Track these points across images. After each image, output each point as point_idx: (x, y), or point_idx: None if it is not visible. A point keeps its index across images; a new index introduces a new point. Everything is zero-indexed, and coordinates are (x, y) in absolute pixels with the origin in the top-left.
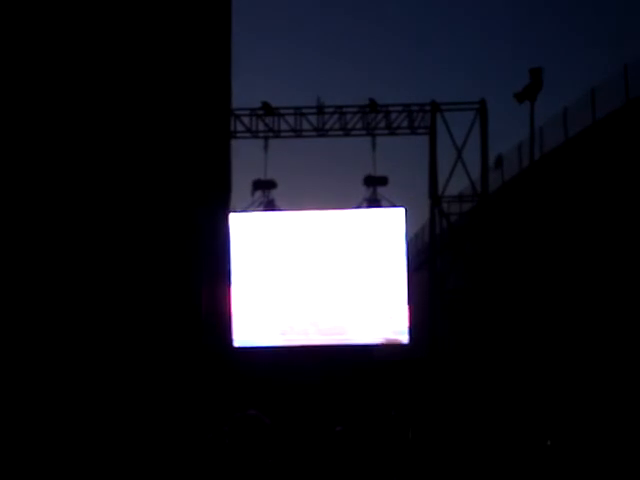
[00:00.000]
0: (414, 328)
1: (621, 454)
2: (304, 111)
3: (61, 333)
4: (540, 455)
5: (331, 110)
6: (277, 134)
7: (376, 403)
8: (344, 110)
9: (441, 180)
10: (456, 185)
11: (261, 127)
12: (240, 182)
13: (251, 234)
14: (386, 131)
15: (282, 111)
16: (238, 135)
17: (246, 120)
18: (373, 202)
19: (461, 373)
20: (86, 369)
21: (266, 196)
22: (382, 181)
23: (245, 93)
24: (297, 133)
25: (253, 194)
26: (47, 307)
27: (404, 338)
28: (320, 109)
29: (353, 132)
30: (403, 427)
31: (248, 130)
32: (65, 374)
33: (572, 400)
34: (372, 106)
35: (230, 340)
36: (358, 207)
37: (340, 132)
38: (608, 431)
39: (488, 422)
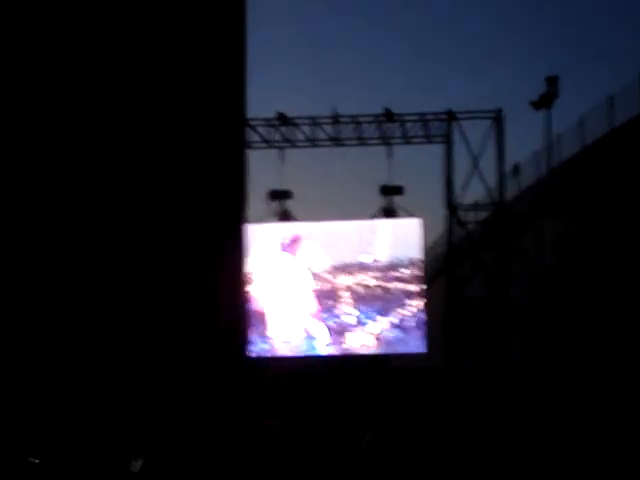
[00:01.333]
0: (432, 337)
1: None
2: (320, 121)
3: (77, 344)
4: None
5: (347, 120)
6: (293, 144)
7: (394, 412)
8: (360, 120)
9: (457, 189)
10: (473, 193)
11: (277, 137)
12: (256, 192)
13: (267, 245)
14: (402, 140)
15: (298, 121)
16: (254, 145)
17: (262, 130)
18: (389, 211)
19: (479, 383)
20: (101, 376)
21: (282, 206)
22: (398, 190)
23: (261, 103)
24: (313, 143)
25: (269, 204)
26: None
27: (421, 347)
28: (336, 119)
29: (369, 141)
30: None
31: (264, 140)
32: (78, 383)
33: (579, 412)
34: (388, 115)
35: (246, 350)
36: (374, 217)
37: (356, 142)
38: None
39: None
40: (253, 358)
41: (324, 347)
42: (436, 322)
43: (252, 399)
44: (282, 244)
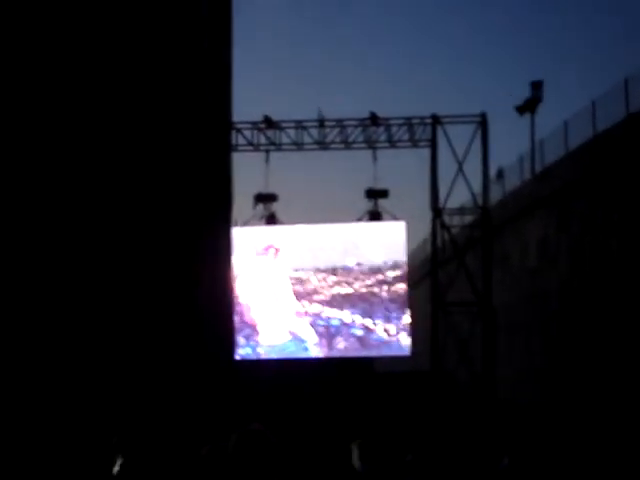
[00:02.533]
0: (415, 340)
1: None
2: (305, 124)
3: (65, 342)
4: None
5: (332, 123)
6: (278, 147)
7: (378, 417)
8: (345, 123)
9: (442, 193)
10: (457, 198)
11: (262, 140)
12: (241, 195)
13: (253, 248)
14: (387, 144)
15: (283, 124)
16: (239, 148)
17: (247, 133)
18: (374, 215)
19: (464, 387)
20: (89, 376)
21: (267, 209)
22: (383, 194)
23: (246, 106)
24: (298, 146)
25: (254, 207)
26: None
27: (405, 351)
28: (321, 122)
29: (354, 145)
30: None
31: (249, 143)
32: (65, 380)
33: (564, 416)
34: (373, 119)
35: (232, 353)
36: (359, 220)
37: (341, 145)
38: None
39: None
40: (238, 361)
41: (313, 348)
42: (420, 325)
43: (236, 402)
44: (257, 251)
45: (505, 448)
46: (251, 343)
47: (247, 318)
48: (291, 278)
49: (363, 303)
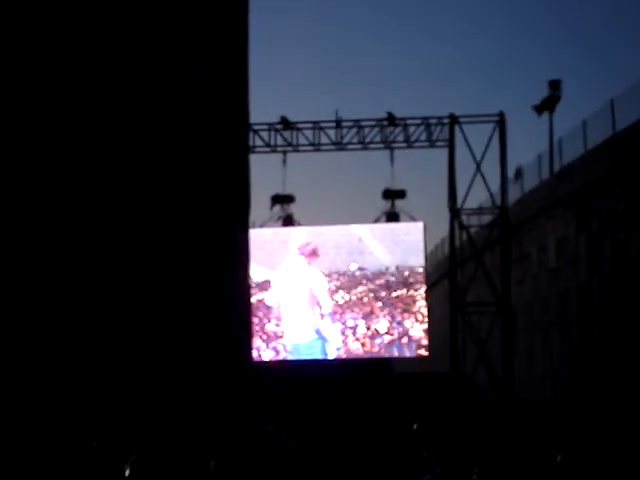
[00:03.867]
0: (434, 341)
1: None
2: (322, 125)
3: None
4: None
5: (349, 124)
6: (295, 148)
7: (396, 417)
8: (362, 124)
9: (460, 193)
10: (475, 197)
11: (279, 142)
12: (259, 197)
13: (270, 249)
14: (404, 144)
15: (300, 125)
16: (256, 150)
17: (264, 135)
18: (392, 215)
19: (482, 388)
20: (102, 377)
21: (285, 211)
22: (400, 194)
23: (263, 108)
24: (315, 147)
25: (272, 209)
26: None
27: (424, 351)
28: (338, 123)
29: (371, 146)
30: (424, 442)
31: (266, 145)
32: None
33: (585, 418)
34: (390, 120)
35: (250, 354)
36: (377, 221)
37: (358, 146)
38: None
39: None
40: (255, 362)
41: (334, 351)
42: (438, 326)
43: (253, 403)
44: (299, 249)
45: (556, 446)
46: (275, 342)
47: (274, 316)
48: (308, 280)
49: (382, 304)
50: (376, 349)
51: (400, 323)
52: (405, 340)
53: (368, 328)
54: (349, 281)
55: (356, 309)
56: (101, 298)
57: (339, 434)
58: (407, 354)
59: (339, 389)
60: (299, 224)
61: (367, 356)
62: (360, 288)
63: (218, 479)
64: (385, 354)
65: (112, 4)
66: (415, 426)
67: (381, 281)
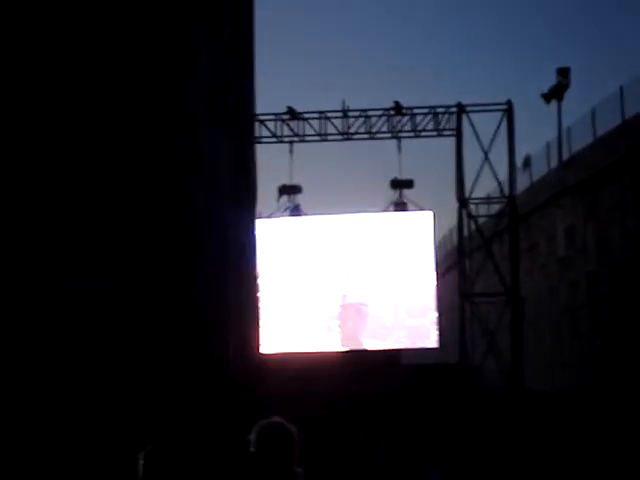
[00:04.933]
0: (443, 332)
1: None
2: (329, 115)
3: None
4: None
5: (356, 114)
6: (302, 138)
7: (406, 408)
8: (369, 113)
9: (468, 182)
10: (483, 187)
11: (286, 132)
12: (265, 187)
13: (277, 240)
14: (412, 134)
15: (307, 115)
16: (263, 140)
17: (271, 125)
18: (400, 205)
19: (492, 378)
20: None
21: (292, 201)
22: (408, 184)
23: (270, 98)
24: (322, 137)
25: (279, 199)
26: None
27: (433, 342)
28: (345, 113)
29: (378, 135)
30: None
31: (273, 135)
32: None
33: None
34: (397, 109)
35: (257, 346)
36: (385, 210)
37: (365, 135)
38: None
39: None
40: (263, 354)
41: (333, 342)
42: (447, 317)
43: (260, 396)
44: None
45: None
46: (282, 335)
47: (267, 312)
48: (316, 270)
49: (389, 294)
50: (385, 340)
51: (409, 314)
52: (414, 331)
53: (376, 319)
54: (358, 270)
55: (365, 300)
56: (107, 294)
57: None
58: (416, 345)
59: (348, 381)
60: (306, 214)
61: (376, 348)
62: (370, 278)
63: (225, 470)
64: (394, 345)
65: None
66: (428, 409)
67: (390, 271)
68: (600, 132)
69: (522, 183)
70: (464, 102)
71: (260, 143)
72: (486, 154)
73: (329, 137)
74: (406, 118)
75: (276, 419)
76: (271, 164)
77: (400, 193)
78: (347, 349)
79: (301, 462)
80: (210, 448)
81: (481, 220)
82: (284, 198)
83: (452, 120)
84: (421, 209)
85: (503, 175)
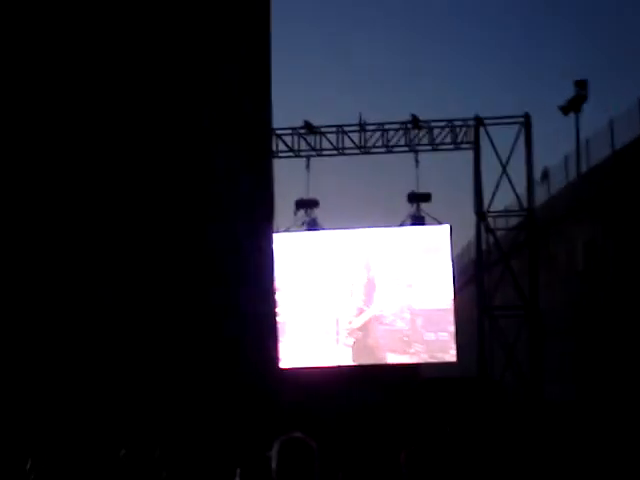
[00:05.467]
0: (462, 346)
1: None
2: (346, 129)
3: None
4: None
5: (373, 127)
6: (319, 152)
7: (425, 423)
8: (386, 127)
9: (486, 195)
10: (502, 200)
11: (303, 146)
12: (283, 202)
13: (294, 254)
14: (429, 147)
15: (324, 129)
16: (280, 155)
17: (288, 139)
18: (417, 219)
19: (509, 393)
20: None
21: (309, 215)
22: (426, 198)
23: (286, 112)
24: (339, 151)
25: (296, 214)
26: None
27: (452, 357)
28: (362, 127)
29: (395, 149)
30: (457, 445)
31: (290, 149)
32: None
33: (614, 422)
34: (414, 122)
35: (277, 360)
36: (402, 224)
37: (382, 149)
38: None
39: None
40: (282, 368)
41: (351, 357)
42: (465, 331)
43: (279, 411)
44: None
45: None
46: (298, 349)
47: (284, 326)
48: (333, 285)
49: (408, 309)
50: (403, 355)
51: (426, 328)
52: (432, 345)
53: (394, 333)
54: (375, 285)
55: (383, 314)
56: (124, 298)
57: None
58: (435, 359)
59: (367, 395)
60: (323, 228)
61: (394, 362)
62: (388, 293)
63: None
64: (412, 360)
65: (138, 9)
66: (448, 429)
67: (408, 285)
68: (618, 144)
69: (540, 196)
70: (482, 115)
71: (277, 157)
72: (504, 167)
73: (346, 151)
74: (423, 131)
75: (296, 434)
76: (288, 178)
77: (417, 206)
78: (365, 363)
79: (321, 477)
80: (229, 463)
81: (499, 233)
82: (301, 212)
83: (470, 133)
84: (439, 222)
85: (521, 188)
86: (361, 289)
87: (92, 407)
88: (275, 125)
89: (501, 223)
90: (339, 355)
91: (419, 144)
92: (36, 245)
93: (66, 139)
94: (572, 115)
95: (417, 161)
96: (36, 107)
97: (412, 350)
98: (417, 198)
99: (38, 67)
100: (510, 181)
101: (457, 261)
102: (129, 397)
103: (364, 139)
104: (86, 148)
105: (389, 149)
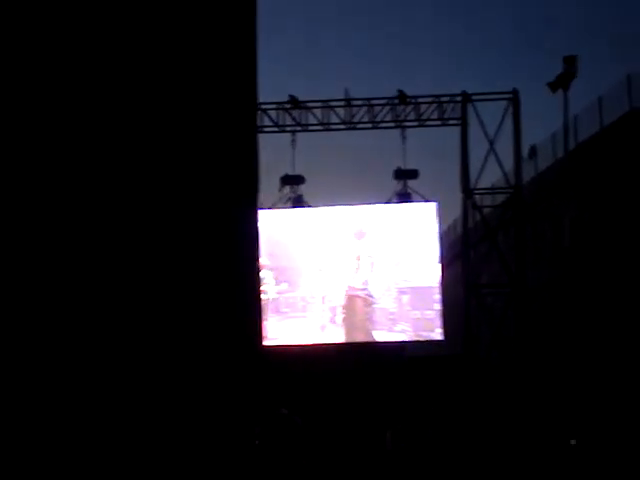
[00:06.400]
0: (448, 324)
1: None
2: (332, 104)
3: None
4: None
5: (359, 103)
6: (305, 128)
7: (411, 401)
8: (373, 102)
9: (473, 172)
10: (489, 177)
11: (288, 121)
12: (268, 178)
13: (280, 231)
14: (416, 123)
15: (310, 104)
16: (265, 130)
17: (273, 114)
18: (404, 196)
19: (496, 371)
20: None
21: (294, 192)
22: (412, 174)
23: (272, 87)
24: (325, 127)
25: (281, 190)
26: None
27: (438, 334)
28: (348, 102)
29: (382, 125)
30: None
31: (275, 124)
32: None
33: (598, 401)
34: (401, 98)
35: (260, 338)
36: (389, 201)
37: (369, 125)
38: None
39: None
40: (265, 346)
41: (336, 334)
42: (451, 308)
43: (264, 389)
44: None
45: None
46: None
47: (269, 304)
48: (318, 261)
49: (394, 286)
50: (390, 332)
51: (413, 306)
52: (418, 323)
53: (381, 311)
54: (361, 262)
55: (369, 291)
56: (106, 286)
57: (354, 419)
58: (421, 337)
59: (353, 373)
60: (309, 205)
61: (381, 339)
62: (374, 270)
63: (230, 462)
64: (399, 337)
65: None
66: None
67: (394, 262)
68: (607, 121)
69: (528, 173)
70: (469, 91)
71: (262, 133)
72: (491, 144)
73: (332, 126)
74: (410, 107)
75: (282, 411)
76: (273, 154)
77: (404, 183)
78: (351, 341)
79: (306, 454)
80: (215, 440)
81: (486, 211)
82: (286, 189)
83: (457, 109)
84: (425, 199)
85: (509, 165)
86: (347, 267)
87: (94, 399)
88: (260, 99)
89: (488, 200)
90: (325, 333)
91: (406, 120)
92: (36, 245)
93: (53, 134)
94: (561, 92)
95: (404, 137)
96: (28, 106)
97: (398, 328)
98: (404, 175)
99: (28, 66)
100: (497, 158)
101: (444, 238)
102: (113, 383)
103: (350, 114)
104: (68, 133)
105: (375, 125)
